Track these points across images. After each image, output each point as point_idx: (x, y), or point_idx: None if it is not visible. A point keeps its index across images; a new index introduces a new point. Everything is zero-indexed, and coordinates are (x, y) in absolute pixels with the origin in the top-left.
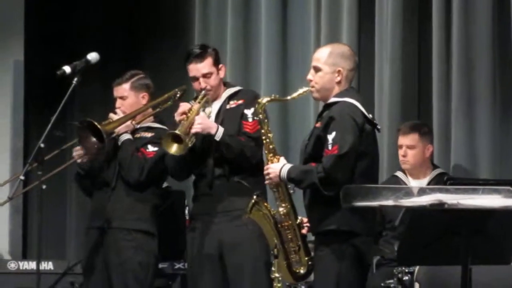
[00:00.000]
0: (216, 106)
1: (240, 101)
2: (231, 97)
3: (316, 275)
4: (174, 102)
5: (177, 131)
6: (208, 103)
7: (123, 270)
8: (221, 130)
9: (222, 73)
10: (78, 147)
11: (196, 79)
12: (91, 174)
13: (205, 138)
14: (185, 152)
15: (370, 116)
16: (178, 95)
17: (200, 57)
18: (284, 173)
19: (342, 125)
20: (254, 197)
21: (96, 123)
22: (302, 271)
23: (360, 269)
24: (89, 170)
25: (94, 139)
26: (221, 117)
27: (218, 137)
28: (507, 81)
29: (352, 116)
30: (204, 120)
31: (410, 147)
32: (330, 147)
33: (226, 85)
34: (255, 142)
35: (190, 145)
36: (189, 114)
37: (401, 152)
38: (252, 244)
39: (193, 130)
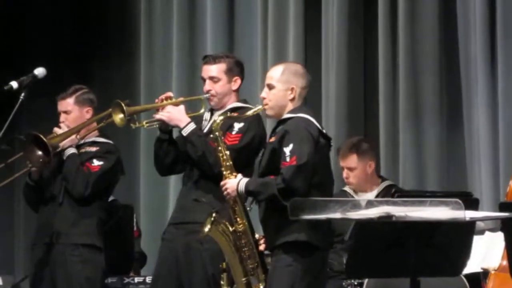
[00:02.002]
0: (216, 115)
1: (235, 114)
2: (231, 111)
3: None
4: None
5: (123, 102)
6: (206, 107)
7: (70, 285)
8: (191, 126)
9: (234, 85)
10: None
11: (204, 80)
12: (39, 187)
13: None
14: (122, 125)
15: (324, 131)
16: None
17: (214, 59)
18: (242, 186)
19: (298, 137)
20: (214, 214)
21: (41, 136)
22: (261, 287)
23: (315, 283)
24: (38, 181)
25: (39, 153)
26: (210, 125)
27: (185, 132)
28: (454, 92)
29: (307, 129)
30: (175, 111)
31: (350, 169)
32: (288, 159)
33: (241, 101)
34: (233, 154)
35: (144, 126)
36: (165, 101)
37: (343, 174)
38: (205, 260)
39: (157, 115)
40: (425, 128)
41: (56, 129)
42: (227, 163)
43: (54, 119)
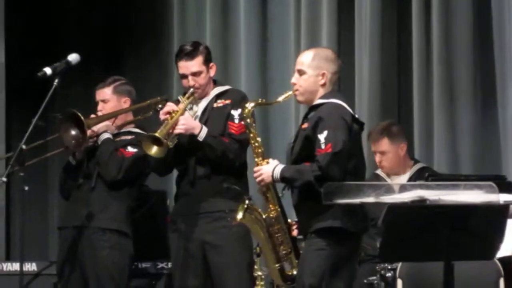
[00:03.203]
0: (203, 104)
1: (228, 101)
2: (218, 96)
3: (299, 271)
4: (155, 111)
5: (157, 134)
6: (195, 102)
7: (98, 269)
8: (204, 130)
9: (212, 72)
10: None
11: (185, 76)
12: (77, 169)
13: (189, 137)
14: (164, 154)
15: (356, 116)
16: (160, 106)
17: (191, 55)
18: (277, 173)
19: (332, 124)
20: (247, 201)
21: (79, 114)
22: (294, 273)
23: (347, 270)
24: (81, 161)
25: (74, 132)
26: (206, 116)
27: (201, 137)
28: (488, 77)
29: (342, 115)
30: (188, 121)
31: (382, 153)
32: (323, 146)
33: (216, 83)
34: (239, 144)
35: (171, 146)
36: (173, 114)
37: (376, 158)
38: (234, 245)
39: (176, 131)
40: (459, 112)
41: (93, 116)
42: (259, 150)
43: (87, 107)
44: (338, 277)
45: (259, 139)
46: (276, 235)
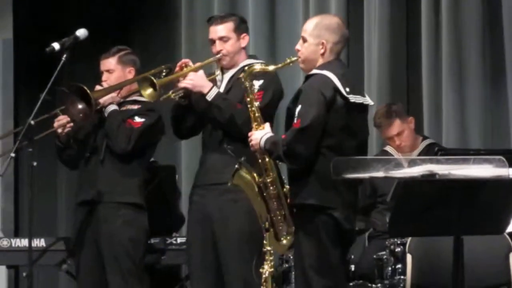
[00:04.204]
0: (230, 73)
1: (266, 71)
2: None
3: (295, 248)
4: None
5: (153, 78)
6: (218, 67)
7: (113, 245)
8: (214, 91)
9: (243, 43)
10: (60, 117)
11: (213, 41)
12: (76, 144)
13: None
14: (155, 99)
15: (348, 89)
16: (164, 73)
17: (220, 20)
18: (262, 142)
19: (307, 99)
20: (236, 165)
21: (85, 88)
22: (288, 240)
23: (338, 242)
24: (68, 141)
25: (81, 105)
26: (230, 85)
27: (209, 97)
28: (497, 52)
29: (320, 90)
30: (197, 78)
31: (399, 134)
32: (295, 120)
33: (251, 57)
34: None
35: (172, 97)
36: (185, 69)
37: (395, 143)
38: (241, 219)
39: (181, 84)
40: (468, 89)
41: (97, 87)
42: (256, 115)
43: (95, 81)
44: (330, 254)
45: (256, 103)
46: (272, 200)
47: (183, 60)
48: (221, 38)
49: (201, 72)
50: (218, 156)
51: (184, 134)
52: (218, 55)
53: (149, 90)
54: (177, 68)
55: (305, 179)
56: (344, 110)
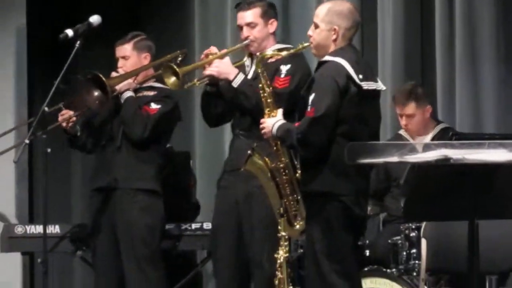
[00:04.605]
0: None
1: (279, 57)
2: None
3: (306, 235)
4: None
5: (175, 67)
6: (246, 53)
7: (129, 232)
8: (240, 77)
9: (271, 28)
10: (64, 111)
11: (240, 28)
12: (88, 130)
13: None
14: (179, 88)
15: (361, 77)
16: (180, 58)
17: (248, 5)
18: (274, 129)
19: (321, 87)
20: (249, 151)
21: (100, 75)
22: (301, 225)
23: (350, 228)
24: (75, 133)
25: (97, 93)
26: (254, 71)
27: (235, 83)
28: (511, 35)
29: (334, 78)
30: (223, 64)
31: (409, 116)
32: (309, 108)
33: (279, 42)
34: (278, 98)
35: (197, 85)
36: (210, 56)
37: (402, 121)
38: (266, 204)
39: (206, 72)
40: (481, 72)
41: (113, 74)
42: (268, 100)
43: (109, 67)
44: (342, 240)
45: (268, 89)
46: (285, 186)
47: (210, 49)
48: (248, 24)
49: (227, 59)
50: (244, 142)
51: (214, 122)
52: (246, 41)
53: (173, 79)
54: (202, 56)
55: (317, 166)
56: (357, 98)
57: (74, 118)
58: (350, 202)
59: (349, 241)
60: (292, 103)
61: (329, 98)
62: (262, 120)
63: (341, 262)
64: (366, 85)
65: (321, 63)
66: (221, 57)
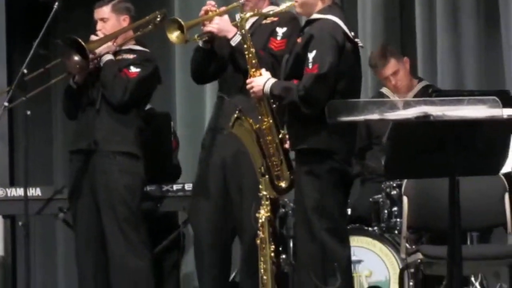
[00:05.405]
0: (251, 19)
1: (275, 19)
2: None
3: (296, 193)
4: (154, 26)
5: (182, 21)
6: (242, 13)
7: (109, 194)
8: (238, 37)
9: None
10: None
11: None
12: (79, 92)
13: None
14: (182, 42)
15: (352, 34)
16: (158, 19)
17: None
18: (267, 88)
19: (322, 43)
20: (236, 112)
21: (79, 40)
22: (284, 185)
23: (341, 187)
24: (80, 86)
25: (77, 58)
26: (252, 31)
27: (234, 42)
28: None
29: (333, 35)
30: (223, 22)
31: (395, 73)
32: (310, 65)
33: (273, 3)
34: (274, 59)
35: (198, 41)
36: (210, 13)
37: (391, 83)
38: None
39: (207, 28)
40: (463, 29)
41: (93, 37)
42: (253, 61)
43: (89, 29)
44: (333, 198)
45: (253, 49)
46: (268, 146)
47: (210, 6)
48: None
49: (226, 16)
50: (234, 102)
51: (202, 79)
52: (242, 0)
53: (176, 33)
54: (202, 12)
55: (312, 124)
56: (352, 55)
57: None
58: (343, 161)
59: (340, 199)
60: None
61: (331, 55)
62: (249, 80)
63: (332, 220)
64: (359, 42)
65: (310, 21)
66: (220, 14)
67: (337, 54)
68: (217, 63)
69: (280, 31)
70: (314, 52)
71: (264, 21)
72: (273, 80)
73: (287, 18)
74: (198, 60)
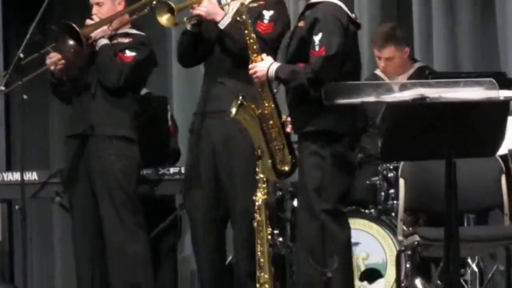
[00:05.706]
0: (237, 3)
1: (262, 2)
2: None
3: (300, 176)
4: (150, 10)
5: (172, 4)
6: None
7: (105, 178)
8: (227, 20)
9: None
10: (52, 54)
11: None
12: (68, 80)
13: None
14: (172, 25)
15: (353, 16)
16: (154, 2)
17: None
18: (272, 72)
19: (328, 26)
20: (240, 97)
21: (74, 25)
22: (286, 169)
23: (345, 169)
24: (61, 77)
25: (72, 43)
26: (238, 14)
27: (222, 25)
28: None
29: (338, 17)
30: (211, 5)
31: (388, 59)
32: (317, 48)
33: None
34: (262, 43)
35: (186, 24)
36: None
37: (380, 63)
38: (246, 151)
39: (195, 11)
40: (459, 10)
41: (88, 21)
42: (254, 46)
43: (85, 13)
44: (337, 181)
45: (253, 35)
46: (270, 131)
47: None
48: None
49: (214, 0)
50: (222, 85)
51: (189, 63)
52: None
53: (166, 16)
54: None
55: (318, 106)
56: (355, 37)
57: (62, 62)
58: (348, 143)
59: (345, 182)
60: (272, 49)
61: (338, 37)
62: (251, 66)
63: (335, 202)
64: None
65: (312, 4)
66: None
67: (343, 36)
68: (204, 46)
69: (267, 14)
70: (320, 34)
71: (250, 5)
72: (277, 64)
73: (274, 1)
74: (185, 44)
